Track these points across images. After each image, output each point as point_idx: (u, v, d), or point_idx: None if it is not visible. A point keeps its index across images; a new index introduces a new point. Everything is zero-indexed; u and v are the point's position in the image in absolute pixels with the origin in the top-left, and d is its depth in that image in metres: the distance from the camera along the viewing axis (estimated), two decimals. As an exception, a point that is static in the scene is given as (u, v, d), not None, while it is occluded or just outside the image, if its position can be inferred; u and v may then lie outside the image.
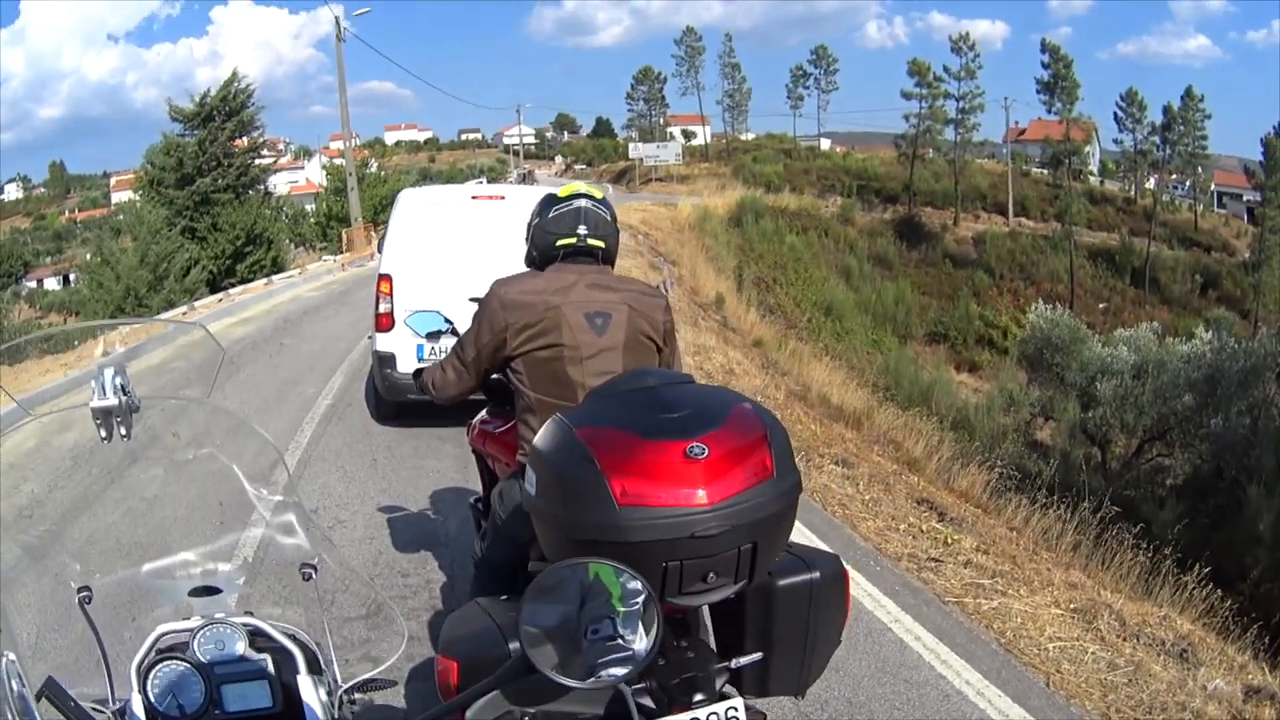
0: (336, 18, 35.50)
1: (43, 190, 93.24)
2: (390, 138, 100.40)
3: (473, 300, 3.06)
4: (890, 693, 4.18)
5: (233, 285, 26.93)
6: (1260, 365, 14.78)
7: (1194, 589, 6.69)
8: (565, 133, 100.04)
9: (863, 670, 4.33)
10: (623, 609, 1.61)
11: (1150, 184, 59.82)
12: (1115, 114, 58.14)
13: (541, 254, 3.02)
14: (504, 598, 2.43)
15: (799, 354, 17.70)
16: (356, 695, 2.06)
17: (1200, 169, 58.56)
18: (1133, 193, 61.18)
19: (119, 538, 2.16)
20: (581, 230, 2.97)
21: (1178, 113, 56.71)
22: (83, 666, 1.86)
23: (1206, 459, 15.30)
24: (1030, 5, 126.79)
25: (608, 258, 3.04)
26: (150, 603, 1.99)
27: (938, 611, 5.07)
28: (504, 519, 2.95)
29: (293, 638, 1.95)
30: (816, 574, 2.29)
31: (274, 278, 26.60)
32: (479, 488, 4.05)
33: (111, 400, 1.83)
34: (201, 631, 1.88)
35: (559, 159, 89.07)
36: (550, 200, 3.05)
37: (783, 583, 2.25)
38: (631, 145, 70.18)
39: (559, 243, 2.97)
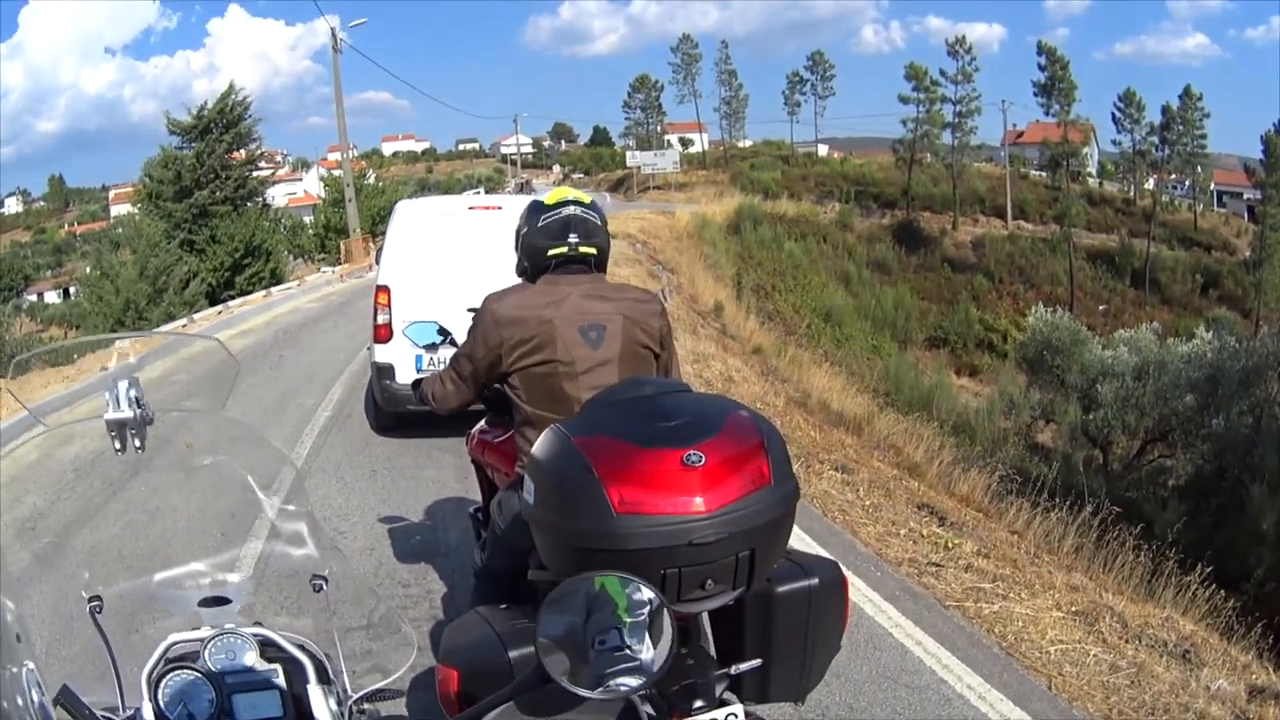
0: (332, 29, 35.56)
1: (42, 204, 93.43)
2: (388, 148, 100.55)
3: (470, 311, 3.05)
4: (891, 698, 4.17)
5: (232, 297, 26.94)
6: (1262, 364, 14.78)
7: (1197, 589, 6.68)
8: (562, 142, 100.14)
9: (864, 675, 4.32)
10: (629, 619, 1.61)
11: (1149, 184, 59.79)
12: (1113, 115, 58.25)
13: (533, 264, 2.99)
14: (504, 606, 2.44)
15: (798, 361, 17.70)
16: (365, 706, 2.06)
17: (1200, 168, 58.59)
18: (1132, 193, 61.17)
19: (127, 548, 2.17)
20: (572, 238, 2.94)
21: (1176, 112, 56.76)
22: (93, 675, 1.87)
23: (1208, 459, 15.30)
24: (1027, 7, 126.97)
25: (600, 263, 3.02)
26: (160, 612, 2.00)
27: (939, 616, 5.06)
28: (503, 529, 2.95)
29: (302, 648, 1.95)
30: (815, 580, 2.30)
31: (273, 290, 26.61)
32: (479, 497, 4.05)
33: (126, 413, 1.83)
34: (212, 641, 1.89)
35: (556, 168, 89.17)
36: (538, 208, 3.01)
37: (782, 589, 2.26)
38: (629, 154, 70.11)
39: (550, 252, 2.94)
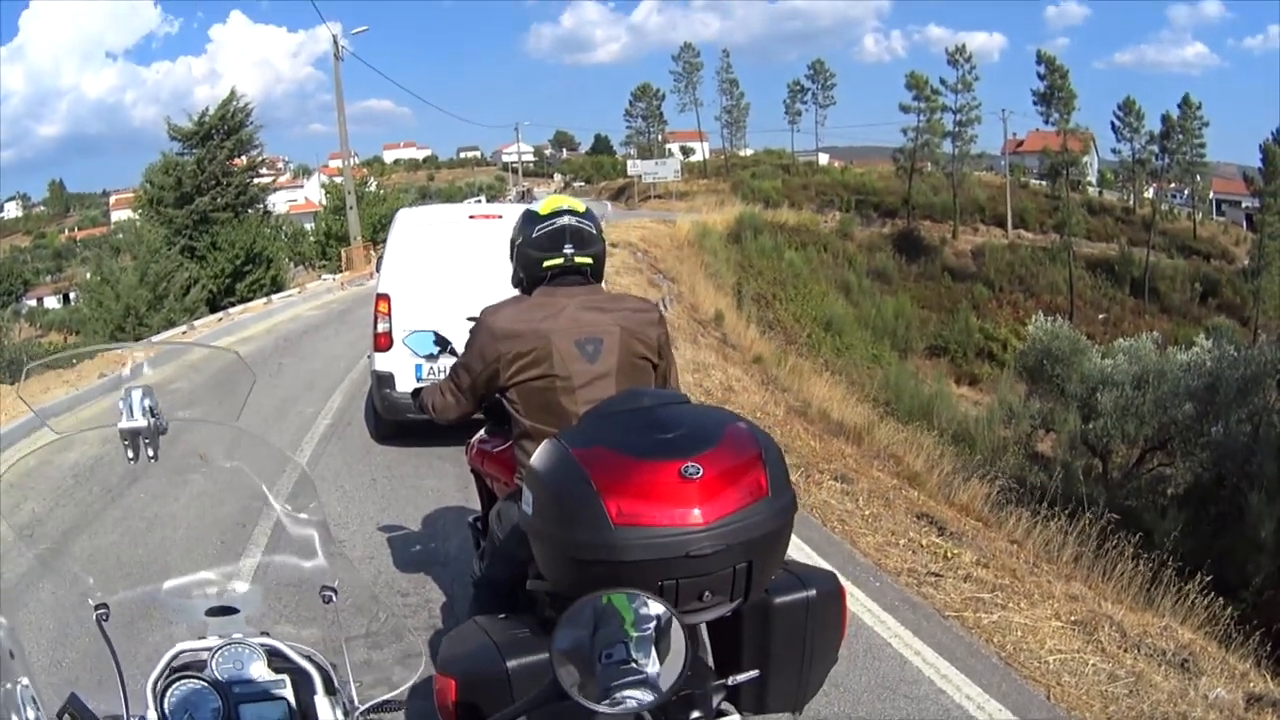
0: (334, 36, 35.65)
1: (42, 208, 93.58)
2: (389, 156, 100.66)
3: (470, 320, 3.05)
4: (890, 708, 4.17)
5: (232, 304, 26.97)
6: (1260, 373, 14.80)
7: (1195, 598, 6.70)
8: (564, 150, 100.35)
9: (862, 686, 4.32)
10: (636, 633, 1.61)
11: (1149, 193, 59.83)
12: (1113, 124, 58.26)
13: (529, 276, 2.98)
14: (502, 616, 2.44)
15: (799, 370, 17.71)
16: (372, 717, 2.07)
17: (1199, 177, 58.60)
18: (1131, 202, 61.25)
19: (129, 555, 2.17)
20: (568, 249, 2.91)
21: (1176, 121, 56.79)
22: (97, 682, 1.87)
23: (1207, 467, 15.31)
24: (1027, 16, 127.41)
25: (596, 273, 3.00)
26: (166, 621, 2.00)
27: (938, 626, 5.06)
28: (502, 539, 2.95)
29: (309, 659, 1.96)
30: (813, 592, 2.31)
31: (273, 297, 26.63)
32: (479, 507, 4.05)
33: (140, 422, 1.84)
34: (220, 651, 1.89)
35: (558, 176, 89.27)
36: (532, 218, 2.98)
37: (779, 600, 2.27)
38: (630, 162, 70.19)
39: (546, 264, 2.92)
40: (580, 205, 3.04)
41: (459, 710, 2.15)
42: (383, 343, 7.86)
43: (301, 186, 78.34)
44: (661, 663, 1.60)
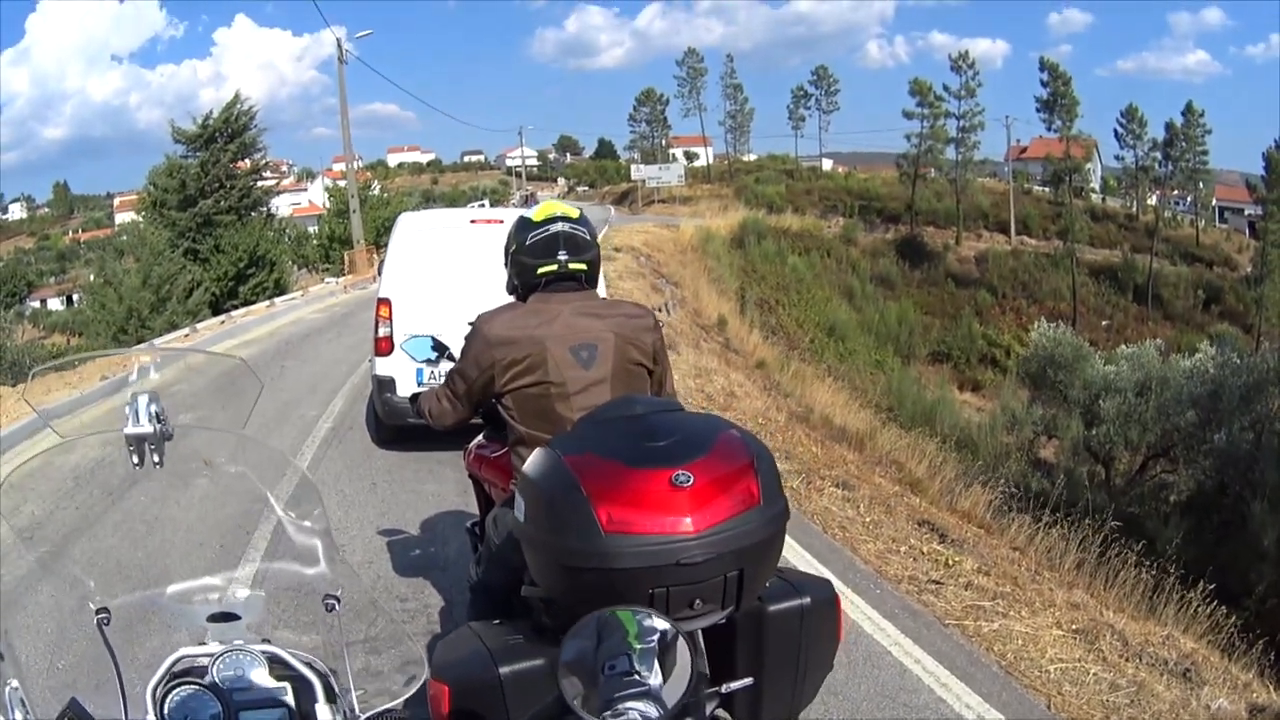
0: (338, 40, 35.70)
1: (46, 210, 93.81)
2: (393, 160, 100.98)
3: (471, 325, 3.05)
4: (890, 717, 4.15)
5: (235, 307, 26.95)
6: (1263, 380, 14.79)
7: (1198, 606, 6.67)
8: (568, 154, 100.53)
9: (862, 694, 4.31)
10: (639, 646, 1.61)
11: (1152, 200, 59.88)
12: (1116, 130, 58.28)
13: (523, 282, 2.97)
14: (497, 622, 2.43)
15: (802, 375, 17.71)
16: None
17: (1201, 184, 58.56)
18: (1134, 209, 61.25)
19: (129, 558, 2.16)
20: (562, 256, 2.90)
21: (1179, 128, 56.80)
22: (95, 686, 1.86)
23: (1210, 475, 15.30)
24: (1030, 23, 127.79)
25: (591, 279, 2.99)
26: (167, 626, 2.00)
27: (938, 634, 5.04)
28: (498, 544, 2.94)
29: (310, 666, 1.95)
30: (807, 599, 2.30)
31: (276, 300, 26.63)
32: (477, 512, 4.04)
33: (146, 428, 1.84)
34: (221, 657, 1.88)
35: (561, 180, 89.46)
36: (526, 225, 2.97)
37: (773, 608, 2.26)
38: (634, 167, 70.30)
39: (540, 270, 2.92)
40: (574, 211, 3.02)
41: (452, 717, 2.14)
42: (384, 347, 7.85)
43: (305, 190, 78.46)
44: (666, 677, 1.59)
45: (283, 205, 54.13)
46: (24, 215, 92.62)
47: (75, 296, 55.14)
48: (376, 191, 48.08)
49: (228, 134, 36.50)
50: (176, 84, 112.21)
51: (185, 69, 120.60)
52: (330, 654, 2.02)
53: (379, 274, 10.97)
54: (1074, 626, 5.21)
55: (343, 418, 9.77)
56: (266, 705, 1.86)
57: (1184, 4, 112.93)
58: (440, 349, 3.63)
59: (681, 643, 1.60)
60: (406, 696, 2.06)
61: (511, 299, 3.06)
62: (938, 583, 5.74)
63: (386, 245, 9.30)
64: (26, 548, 2.06)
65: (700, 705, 2.11)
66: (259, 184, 38.45)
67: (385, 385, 7.87)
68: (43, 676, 1.90)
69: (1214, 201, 61.22)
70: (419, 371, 7.19)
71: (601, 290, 4.14)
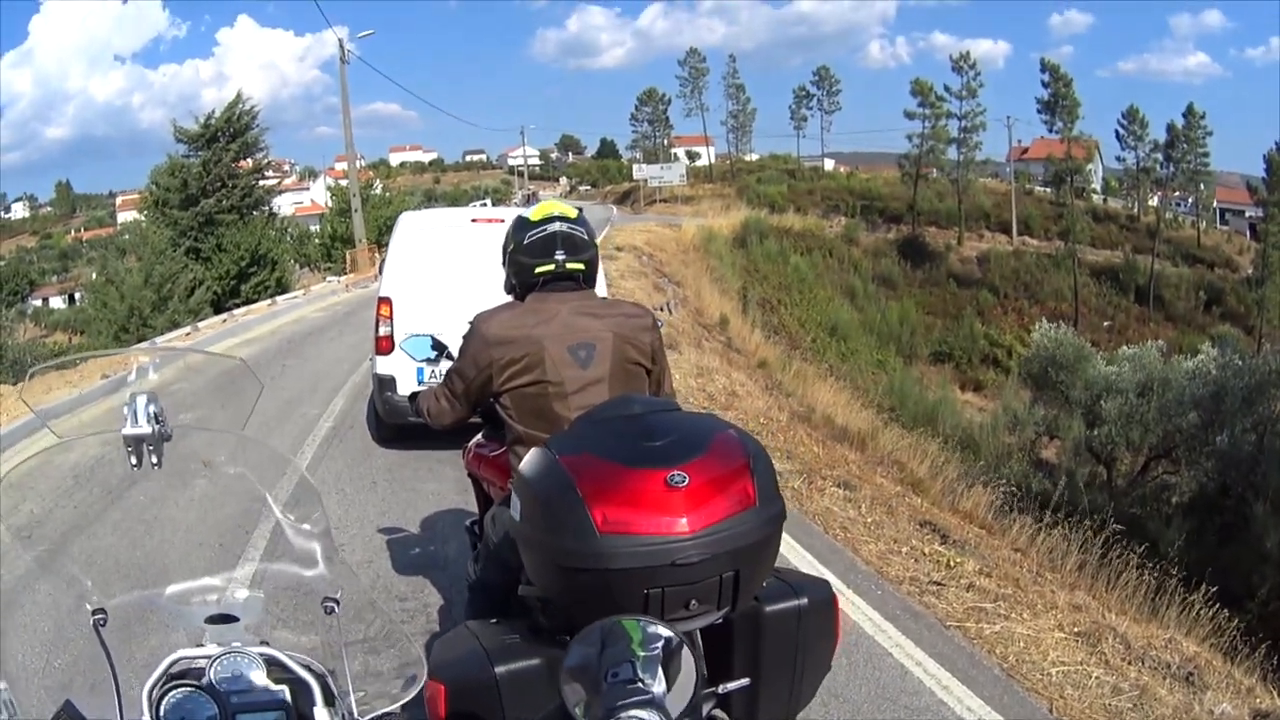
0: (340, 40, 35.69)
1: (49, 209, 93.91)
2: (395, 159, 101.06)
3: (469, 324, 3.04)
4: (890, 719, 4.13)
5: (237, 306, 26.94)
6: (1265, 381, 14.77)
7: (1200, 609, 6.64)
8: (570, 154, 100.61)
9: (862, 696, 4.29)
10: (643, 653, 1.59)
11: (1153, 201, 59.86)
12: (1117, 132, 58.35)
13: (521, 282, 2.97)
14: (494, 621, 2.42)
15: (803, 375, 17.67)
16: None
17: (1203, 185, 58.61)
18: (1136, 210, 61.23)
19: (126, 558, 2.15)
20: (559, 255, 2.91)
21: (1180, 130, 56.80)
22: (90, 687, 1.85)
23: (1212, 476, 15.28)
24: (1031, 24, 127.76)
25: (589, 278, 2.99)
26: (164, 627, 1.98)
27: (939, 636, 5.02)
28: (496, 543, 2.93)
29: (308, 668, 1.94)
30: (804, 600, 2.29)
31: (278, 298, 26.62)
32: (476, 511, 4.03)
33: (145, 428, 1.82)
34: (219, 659, 1.87)
35: (563, 180, 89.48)
36: (523, 224, 2.98)
37: (770, 609, 2.26)
38: (636, 166, 70.21)
39: (537, 270, 2.92)
40: (572, 211, 3.03)
41: (449, 717, 2.13)
42: (384, 346, 7.84)
43: (307, 189, 78.46)
44: (670, 685, 1.57)
45: (285, 204, 54.24)
46: (27, 214, 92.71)
47: (77, 295, 55.16)
48: (378, 191, 48.17)
49: (230, 133, 36.52)
50: (179, 84, 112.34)
51: (188, 69, 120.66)
52: (329, 655, 2.01)
53: (380, 273, 10.96)
54: (1076, 629, 5.19)
55: (344, 416, 9.76)
56: (264, 708, 1.85)
57: (1184, 6, 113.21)
58: (439, 348, 3.62)
59: (686, 651, 1.59)
60: (406, 700, 2.05)
61: (509, 300, 3.05)
62: (939, 584, 5.72)
63: (388, 244, 9.28)
64: (24, 547, 2.05)
65: (697, 705, 2.09)
66: (261, 183, 38.47)
67: (386, 384, 7.86)
68: (38, 677, 1.88)
69: (1215, 203, 61.22)
70: (419, 370, 7.18)
71: (601, 290, 4.13)
